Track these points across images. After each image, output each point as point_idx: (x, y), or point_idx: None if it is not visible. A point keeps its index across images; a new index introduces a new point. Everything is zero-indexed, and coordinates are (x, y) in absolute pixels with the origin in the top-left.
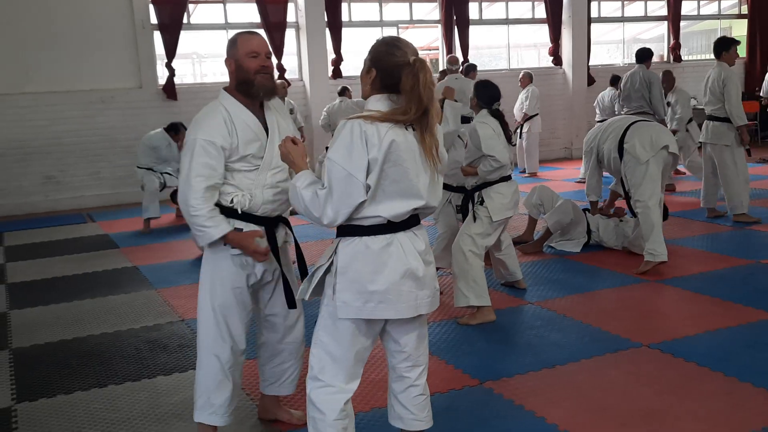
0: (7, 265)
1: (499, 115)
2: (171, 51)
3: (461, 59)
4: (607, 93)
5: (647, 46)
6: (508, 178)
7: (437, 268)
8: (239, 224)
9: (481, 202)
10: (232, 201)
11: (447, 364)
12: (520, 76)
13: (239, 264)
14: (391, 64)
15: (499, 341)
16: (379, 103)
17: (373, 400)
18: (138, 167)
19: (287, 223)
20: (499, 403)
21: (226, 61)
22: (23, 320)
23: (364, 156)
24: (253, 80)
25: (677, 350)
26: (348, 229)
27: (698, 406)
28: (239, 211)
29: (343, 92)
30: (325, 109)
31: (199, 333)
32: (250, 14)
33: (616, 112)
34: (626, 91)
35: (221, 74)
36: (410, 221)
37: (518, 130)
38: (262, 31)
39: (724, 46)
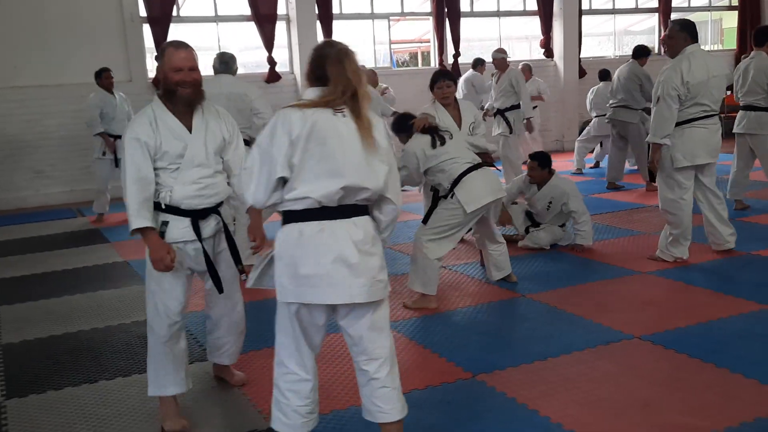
0: None
1: (431, 131)
2: (161, 44)
3: (452, 52)
4: (603, 88)
5: (639, 38)
6: (477, 166)
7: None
8: (166, 217)
9: (452, 195)
10: (158, 196)
11: (440, 357)
12: (520, 67)
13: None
14: (320, 57)
15: (491, 334)
16: (310, 93)
17: (355, 398)
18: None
19: (220, 215)
20: (491, 396)
21: (157, 69)
22: (13, 315)
23: (285, 136)
24: (174, 91)
25: (669, 342)
26: (286, 217)
27: (690, 397)
28: (163, 205)
29: None
30: None
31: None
32: (240, 7)
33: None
34: (614, 83)
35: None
36: (349, 210)
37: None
38: (252, 24)
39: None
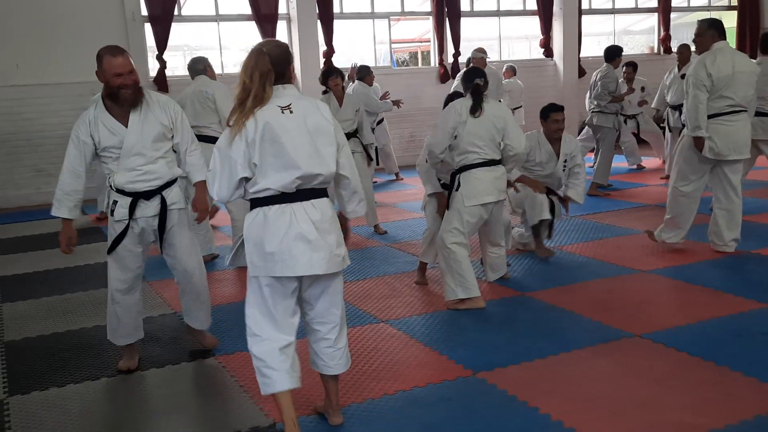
0: None
1: (477, 92)
2: (162, 43)
3: (453, 51)
4: None
5: (638, 38)
6: (489, 163)
7: (425, 264)
8: (115, 196)
9: (458, 188)
10: (109, 180)
11: (440, 354)
12: (503, 69)
13: (122, 228)
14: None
15: (491, 332)
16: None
17: (366, 390)
18: None
19: (163, 199)
20: (492, 393)
21: (97, 73)
22: (15, 313)
23: (241, 141)
24: (117, 94)
25: (669, 340)
26: (253, 204)
27: (690, 395)
28: (113, 188)
29: (362, 77)
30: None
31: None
32: (241, 6)
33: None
34: (591, 87)
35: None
36: (307, 193)
37: None
38: (252, 23)
39: None
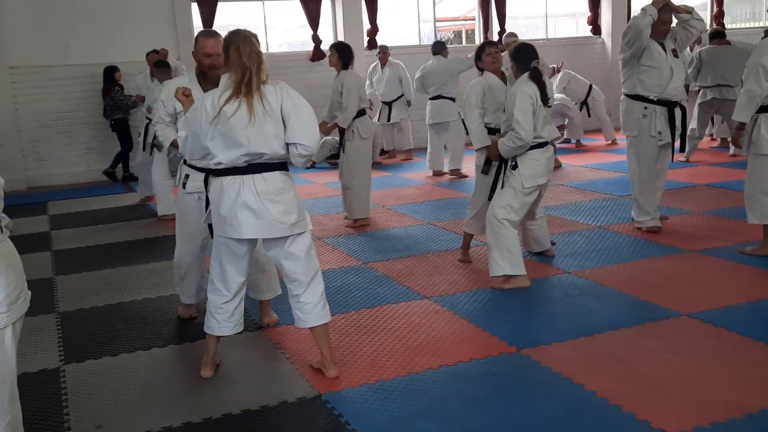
0: (51, 233)
1: (537, 77)
2: (208, 23)
3: (498, 29)
4: None
5: None
6: (544, 144)
7: (471, 236)
8: (187, 170)
9: (514, 167)
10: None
11: (484, 331)
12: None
13: (193, 200)
14: (225, 45)
15: (535, 309)
16: (224, 78)
17: (410, 365)
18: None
19: None
20: (536, 370)
21: (193, 53)
22: (69, 285)
23: (203, 115)
24: (206, 73)
25: (718, 320)
26: (214, 172)
27: (738, 374)
28: (186, 161)
29: (438, 51)
30: (420, 69)
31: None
32: None
33: None
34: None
35: None
36: (258, 167)
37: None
38: (297, 3)
39: None
